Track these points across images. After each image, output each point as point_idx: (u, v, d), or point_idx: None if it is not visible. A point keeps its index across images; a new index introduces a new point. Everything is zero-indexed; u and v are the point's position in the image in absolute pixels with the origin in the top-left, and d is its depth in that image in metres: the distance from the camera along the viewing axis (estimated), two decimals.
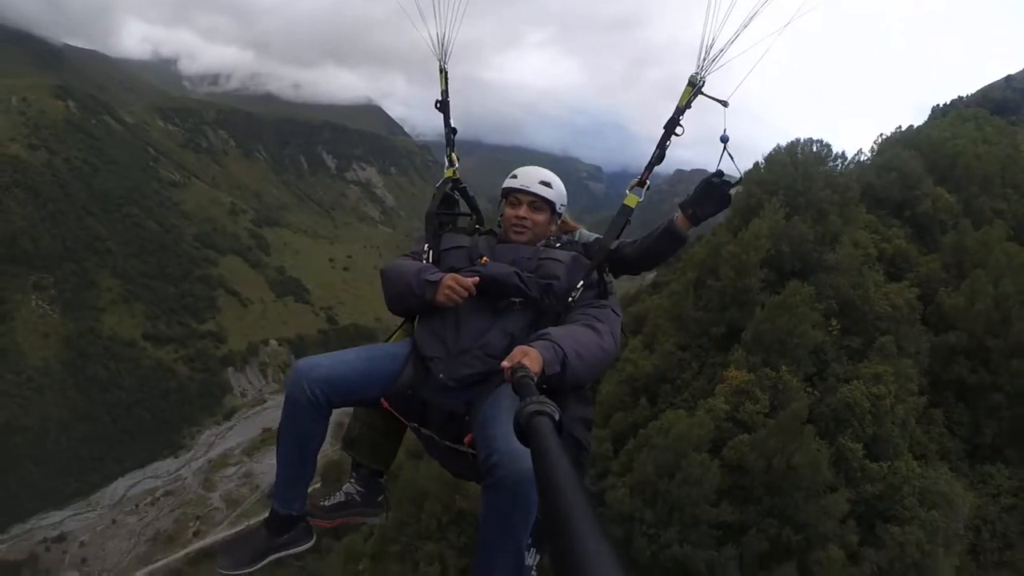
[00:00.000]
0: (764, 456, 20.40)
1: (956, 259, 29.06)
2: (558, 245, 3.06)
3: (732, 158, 3.03)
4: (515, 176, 3.12)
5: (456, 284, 2.66)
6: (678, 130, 3.03)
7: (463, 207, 3.53)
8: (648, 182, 3.09)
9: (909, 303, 26.60)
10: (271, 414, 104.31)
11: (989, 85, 66.44)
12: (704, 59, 2.87)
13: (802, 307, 23.73)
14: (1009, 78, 66.05)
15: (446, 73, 3.47)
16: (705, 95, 2.95)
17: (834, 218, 28.02)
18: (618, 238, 3.11)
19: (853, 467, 21.36)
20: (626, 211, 3.11)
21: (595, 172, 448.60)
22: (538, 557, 2.88)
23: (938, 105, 64.05)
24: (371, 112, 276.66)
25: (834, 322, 25.32)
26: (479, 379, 2.62)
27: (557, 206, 3.12)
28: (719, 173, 3.04)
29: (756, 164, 31.70)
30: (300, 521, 2.96)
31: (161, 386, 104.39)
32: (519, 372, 1.96)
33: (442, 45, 3.43)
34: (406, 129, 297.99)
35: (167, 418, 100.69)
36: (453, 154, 3.49)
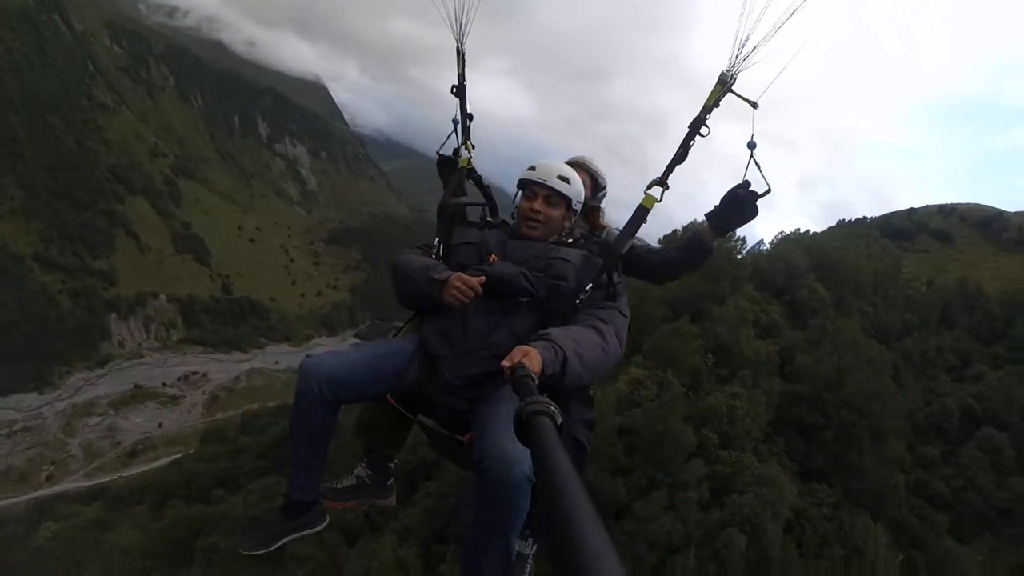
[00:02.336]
0: (649, 422, 28.38)
1: (816, 336, 38.39)
2: (570, 241, 3.12)
3: (759, 167, 3.03)
4: (533, 168, 3.13)
5: (462, 284, 2.73)
6: (703, 130, 3.05)
7: (469, 195, 3.53)
8: (668, 183, 3.10)
9: (769, 355, 35.85)
10: (146, 371, 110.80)
11: (893, 212, 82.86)
12: (737, 56, 2.87)
13: (688, 336, 32.98)
14: (912, 210, 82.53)
15: (463, 54, 3.48)
16: (735, 93, 2.96)
17: (724, 283, 36.94)
18: (632, 238, 3.15)
19: (710, 452, 29.04)
20: (642, 212, 3.12)
21: None
22: (535, 546, 3.05)
23: (844, 219, 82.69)
24: (316, 90, 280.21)
25: (710, 356, 33.63)
26: (484, 378, 2.72)
27: (573, 202, 3.13)
28: (746, 183, 3.04)
29: (675, 231, 40.75)
30: (314, 505, 3.18)
31: (40, 314, 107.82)
32: (519, 371, 2.06)
33: (460, 24, 3.41)
34: (346, 116, 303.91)
35: (39, 350, 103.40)
36: (469, 142, 3.52)
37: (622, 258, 3.05)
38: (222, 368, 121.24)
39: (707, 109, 3.01)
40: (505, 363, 2.19)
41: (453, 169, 3.46)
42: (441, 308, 2.84)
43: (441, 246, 3.16)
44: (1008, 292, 53.61)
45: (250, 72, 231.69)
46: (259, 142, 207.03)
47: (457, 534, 26.24)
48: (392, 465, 3.50)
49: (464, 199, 3.44)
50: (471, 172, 3.48)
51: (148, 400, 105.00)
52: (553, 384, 2.39)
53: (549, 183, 3.06)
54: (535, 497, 2.33)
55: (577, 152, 3.75)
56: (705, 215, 3.21)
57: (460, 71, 3.49)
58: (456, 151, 3.50)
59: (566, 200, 3.10)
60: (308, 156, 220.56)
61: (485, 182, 3.55)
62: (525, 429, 1.43)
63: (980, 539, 34.08)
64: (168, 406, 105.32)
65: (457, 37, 3.45)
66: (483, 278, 2.76)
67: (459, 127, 3.51)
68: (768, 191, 3.04)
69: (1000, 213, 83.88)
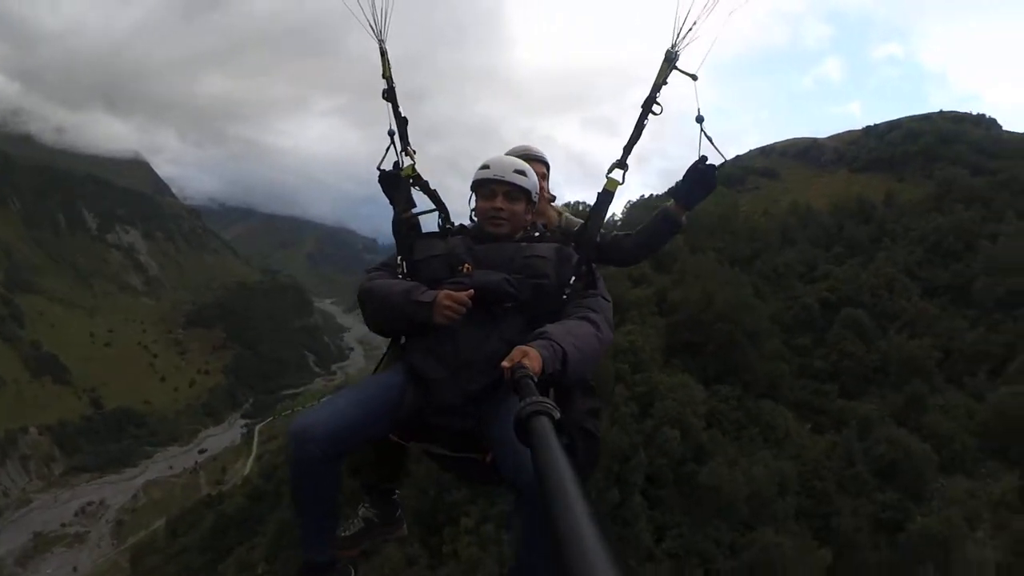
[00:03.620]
0: None
1: (680, 276, 46.94)
2: (537, 235, 3.16)
3: (711, 140, 3.30)
4: (487, 167, 3.11)
5: (453, 302, 2.69)
6: (656, 108, 3.23)
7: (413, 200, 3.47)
8: (628, 164, 3.26)
9: (647, 299, 43.96)
10: (39, 516, 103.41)
11: (721, 163, 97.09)
12: (678, 35, 3.12)
13: None
14: (737, 157, 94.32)
15: (386, 54, 3.41)
16: (678, 69, 3.19)
17: None
18: (603, 223, 3.27)
19: (627, 378, 34.96)
20: (607, 196, 3.25)
21: (371, 244, 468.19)
22: None
23: (678, 181, 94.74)
24: (138, 168, 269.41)
25: None
26: (486, 392, 2.71)
27: (532, 194, 3.15)
28: (703, 158, 3.30)
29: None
30: (336, 562, 3.06)
31: None
32: (519, 372, 2.09)
33: (379, 20, 3.36)
34: (174, 190, 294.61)
35: None
36: (409, 146, 3.42)
37: (596, 246, 3.19)
38: (117, 490, 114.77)
39: (656, 87, 3.21)
40: (505, 364, 2.23)
41: (396, 182, 3.39)
42: (425, 329, 2.80)
43: (404, 263, 3.10)
44: (834, 203, 65.70)
45: (65, 161, 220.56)
46: (89, 236, 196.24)
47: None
48: (396, 496, 3.47)
49: (416, 210, 3.38)
50: (416, 179, 3.39)
51: (52, 546, 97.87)
52: (555, 381, 2.45)
53: (507, 179, 3.06)
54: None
55: None
56: (671, 193, 3.38)
57: (387, 72, 3.41)
58: (396, 163, 3.42)
59: (526, 193, 3.11)
60: (144, 240, 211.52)
61: (432, 186, 3.44)
62: (524, 430, 1.49)
63: (867, 393, 42.92)
64: (75, 547, 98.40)
65: (378, 35, 3.37)
66: (472, 291, 2.72)
67: (395, 136, 3.41)
68: (724, 162, 3.36)
69: (815, 141, 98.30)
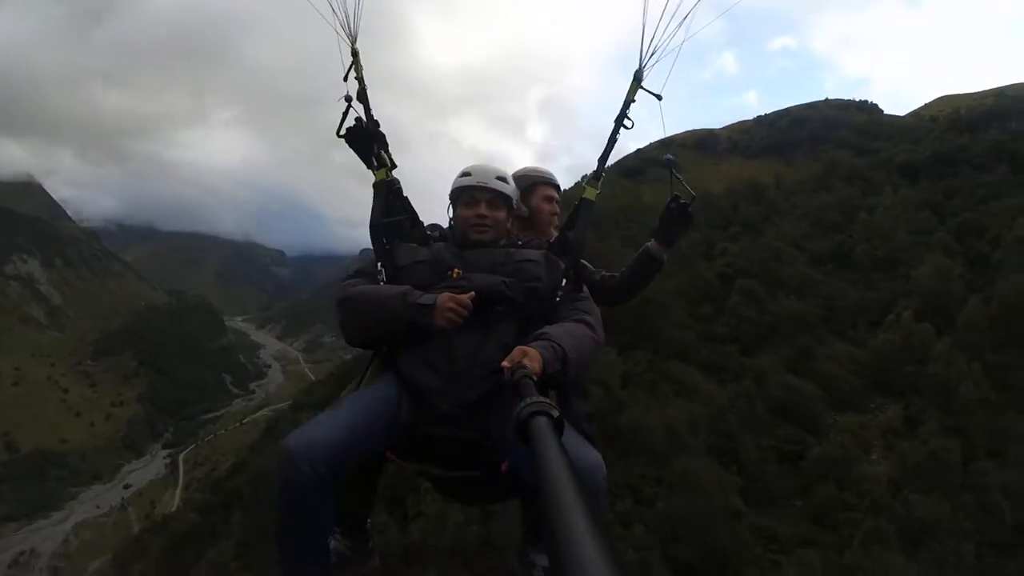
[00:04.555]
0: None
1: (591, 260, 56.01)
2: (520, 243, 3.15)
3: (681, 180, 3.55)
4: (468, 174, 3.14)
5: (456, 304, 2.65)
6: (627, 123, 3.37)
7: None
8: (603, 174, 3.39)
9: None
10: None
11: (624, 156, 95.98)
12: (644, 56, 3.23)
13: None
14: (638, 151, 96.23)
15: (358, 55, 3.37)
16: (644, 88, 3.31)
17: None
18: (587, 229, 3.31)
19: None
20: (587, 204, 3.31)
21: (279, 257, 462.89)
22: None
23: (586, 175, 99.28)
24: (31, 192, 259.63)
25: None
26: (487, 400, 2.65)
27: (513, 202, 3.20)
28: (676, 198, 3.52)
29: None
30: None
31: None
32: (519, 372, 2.09)
33: (350, 21, 3.34)
34: (70, 213, 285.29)
35: None
36: (383, 152, 3.35)
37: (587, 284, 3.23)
38: (46, 536, 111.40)
39: (626, 104, 3.35)
40: (505, 364, 2.23)
41: (365, 135, 3.29)
42: (416, 336, 2.73)
43: (385, 270, 2.99)
44: (729, 188, 72.76)
45: None
46: None
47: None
48: (367, 525, 3.27)
49: (396, 217, 3.27)
50: (391, 184, 3.31)
51: None
52: (555, 381, 2.47)
53: (490, 185, 3.09)
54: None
55: None
56: (652, 233, 3.67)
57: (359, 73, 3.36)
58: (359, 119, 3.32)
59: (507, 201, 3.14)
60: (42, 269, 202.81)
61: (404, 194, 3.38)
62: (524, 430, 1.50)
63: (764, 351, 48.29)
64: None
65: (350, 38, 3.35)
66: (473, 294, 2.68)
67: (352, 101, 3.33)
68: (694, 199, 3.56)
69: (711, 132, 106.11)
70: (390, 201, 3.27)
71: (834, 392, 43.17)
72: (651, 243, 3.68)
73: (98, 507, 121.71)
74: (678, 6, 3.08)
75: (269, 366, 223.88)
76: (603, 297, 3.55)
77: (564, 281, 2.99)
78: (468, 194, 3.12)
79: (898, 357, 44.36)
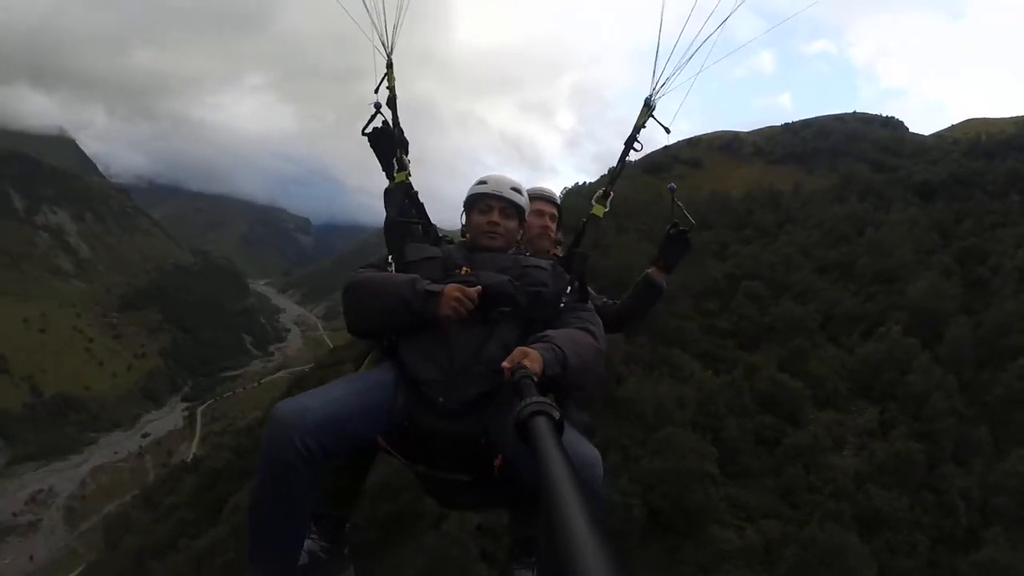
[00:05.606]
0: None
1: (606, 250, 47.00)
2: (528, 254, 3.24)
3: (681, 206, 3.77)
4: (485, 182, 3.25)
5: (462, 295, 2.71)
6: (636, 145, 3.63)
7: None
8: (612, 192, 3.62)
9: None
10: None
11: (652, 152, 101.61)
12: (656, 85, 3.47)
13: None
14: (666, 147, 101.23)
15: (392, 67, 3.59)
16: (655, 119, 3.56)
17: None
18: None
19: None
20: (594, 220, 3.55)
21: (303, 224, 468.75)
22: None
23: (613, 167, 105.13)
24: (63, 145, 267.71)
25: None
26: (486, 398, 2.68)
27: (525, 213, 3.31)
28: (675, 224, 3.75)
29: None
30: None
31: None
32: (519, 373, 2.15)
33: (389, 36, 3.57)
34: (100, 168, 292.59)
35: None
36: (405, 157, 3.55)
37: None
38: (64, 477, 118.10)
39: (636, 129, 3.57)
40: (506, 364, 2.29)
41: (389, 139, 3.52)
42: (418, 328, 2.78)
43: (395, 264, 3.07)
44: (749, 192, 77.04)
45: None
46: (17, 218, 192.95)
47: None
48: (347, 528, 3.15)
49: (410, 217, 3.43)
50: (408, 188, 3.48)
51: (6, 537, 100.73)
52: (555, 385, 2.45)
53: (505, 195, 3.19)
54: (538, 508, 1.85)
55: None
56: (652, 260, 3.85)
57: (391, 83, 3.57)
58: (386, 122, 3.53)
59: (520, 212, 3.24)
60: (72, 221, 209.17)
61: (420, 200, 3.54)
62: (524, 430, 1.53)
63: (760, 348, 53.08)
64: (29, 535, 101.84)
65: (387, 52, 3.56)
66: (480, 288, 2.75)
67: (381, 107, 3.54)
68: (693, 226, 3.79)
69: (737, 135, 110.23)
70: (403, 206, 3.39)
71: (819, 391, 48.14)
72: (651, 270, 3.84)
73: (116, 453, 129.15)
74: (692, 39, 3.33)
75: (289, 330, 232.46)
76: (603, 324, 3.31)
77: (569, 290, 3.04)
78: (483, 201, 3.22)
79: (881, 366, 49.45)
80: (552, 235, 4.00)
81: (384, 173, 3.55)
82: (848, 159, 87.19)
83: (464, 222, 3.34)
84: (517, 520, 3.25)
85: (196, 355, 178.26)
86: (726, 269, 61.74)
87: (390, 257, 3.11)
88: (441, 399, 2.69)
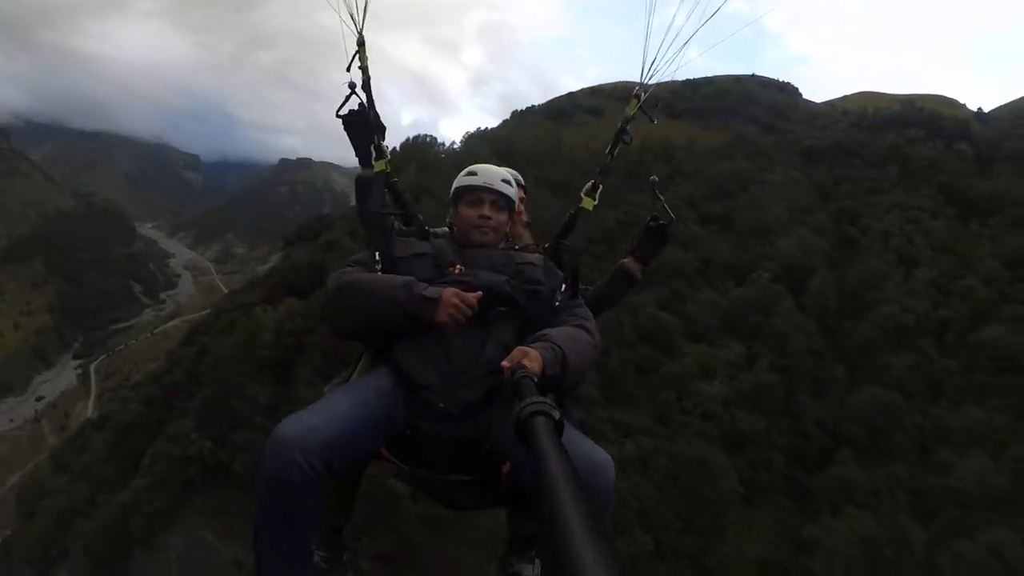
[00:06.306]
0: None
1: None
2: (517, 248, 3.27)
3: (662, 200, 3.89)
4: (474, 174, 3.23)
5: (461, 302, 2.68)
6: (626, 137, 3.70)
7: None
8: (600, 186, 3.63)
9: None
10: None
11: (556, 97, 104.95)
12: (644, 76, 3.57)
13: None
14: (570, 94, 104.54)
15: (364, 45, 3.47)
16: (643, 111, 3.67)
17: (438, 177, 47.33)
18: (585, 237, 3.56)
19: None
20: (584, 214, 3.56)
21: (192, 161, 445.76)
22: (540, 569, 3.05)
23: (517, 110, 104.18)
24: None
25: None
26: (487, 401, 2.69)
27: (516, 205, 3.31)
28: (655, 217, 3.84)
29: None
30: None
31: None
32: (519, 372, 2.17)
33: (358, 6, 3.44)
34: None
35: None
36: (383, 144, 3.47)
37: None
38: None
39: (626, 121, 3.68)
40: (505, 363, 2.31)
41: (365, 124, 3.46)
42: (413, 332, 2.76)
43: (383, 261, 3.03)
44: (644, 144, 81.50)
45: None
46: None
47: None
48: (343, 534, 3.23)
49: (390, 210, 3.39)
50: (388, 177, 3.45)
51: None
52: (554, 385, 2.48)
53: (496, 187, 3.18)
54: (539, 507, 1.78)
55: None
56: (628, 251, 3.89)
57: (364, 62, 3.48)
58: (362, 104, 3.46)
59: (510, 204, 3.25)
60: None
61: (400, 188, 3.53)
62: (524, 430, 1.55)
63: (644, 291, 56.91)
64: None
65: (358, 28, 3.45)
66: (480, 293, 2.73)
67: (356, 87, 3.49)
68: (673, 220, 3.88)
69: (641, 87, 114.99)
70: (376, 194, 3.36)
71: (694, 328, 53.61)
72: (627, 260, 3.93)
73: (12, 420, 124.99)
74: (674, 39, 3.54)
75: (179, 276, 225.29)
76: None
77: (563, 287, 3.06)
78: (472, 194, 3.20)
79: (750, 308, 55.74)
80: (523, 218, 4.02)
81: (359, 160, 3.48)
82: (742, 120, 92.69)
83: (452, 213, 3.34)
84: (515, 517, 3.26)
85: (84, 307, 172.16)
86: (617, 216, 65.90)
87: (377, 254, 3.05)
88: (442, 404, 2.68)
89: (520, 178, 3.90)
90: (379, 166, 3.45)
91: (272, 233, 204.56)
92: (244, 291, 68.01)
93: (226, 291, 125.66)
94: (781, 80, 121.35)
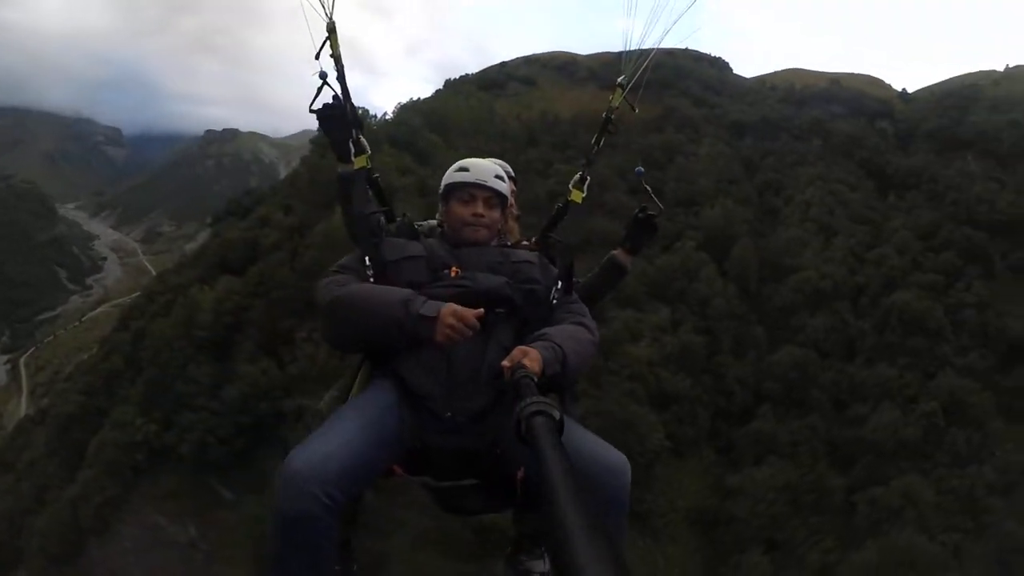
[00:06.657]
0: None
1: (436, 169, 50.12)
2: (509, 244, 3.25)
3: (650, 191, 3.94)
4: (466, 170, 3.16)
5: (459, 322, 2.57)
6: (611, 127, 3.88)
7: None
8: (588, 177, 3.75)
9: (412, 185, 52.26)
10: None
11: (489, 67, 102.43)
12: (625, 66, 3.79)
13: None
14: (503, 63, 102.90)
15: (335, 31, 3.37)
16: (627, 101, 3.89)
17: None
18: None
19: None
20: (573, 206, 3.71)
21: (114, 135, 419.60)
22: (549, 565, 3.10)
23: (451, 78, 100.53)
24: None
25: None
26: (492, 407, 2.68)
27: (508, 202, 3.28)
28: (643, 208, 3.78)
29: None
30: None
31: None
32: (519, 372, 2.18)
33: None
34: None
35: None
36: (363, 138, 3.38)
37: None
38: None
39: (611, 111, 3.81)
40: (505, 363, 2.30)
41: (341, 119, 3.32)
42: (412, 343, 2.68)
43: (372, 266, 2.93)
44: (577, 115, 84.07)
45: None
46: None
47: None
48: (352, 545, 3.17)
49: (373, 208, 3.30)
50: (370, 173, 3.41)
51: None
52: (555, 383, 2.50)
53: (489, 184, 3.10)
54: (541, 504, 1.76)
55: None
56: (619, 242, 3.86)
57: (336, 51, 3.36)
58: (337, 97, 3.34)
59: (503, 200, 3.19)
60: None
61: (382, 184, 3.48)
62: (525, 430, 1.55)
63: (577, 260, 60.49)
64: None
65: (328, 11, 3.33)
66: (481, 312, 2.61)
67: (328, 78, 3.38)
68: (661, 211, 3.85)
69: (574, 58, 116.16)
70: (359, 192, 3.30)
71: (621, 293, 56.13)
72: (617, 251, 3.89)
73: None
74: (651, 29, 3.84)
75: (105, 259, 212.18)
76: None
77: (559, 284, 3.02)
78: (464, 191, 3.12)
79: (675, 274, 58.81)
80: (514, 211, 3.96)
81: (337, 156, 3.37)
82: (673, 92, 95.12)
83: (441, 210, 3.29)
84: (520, 517, 3.29)
85: (7, 298, 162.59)
86: (548, 186, 67.44)
87: (367, 258, 2.96)
88: (447, 414, 2.67)
89: (511, 171, 3.89)
90: (360, 161, 3.41)
91: (199, 209, 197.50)
92: (176, 271, 67.40)
93: (154, 273, 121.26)
94: (713, 55, 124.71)
